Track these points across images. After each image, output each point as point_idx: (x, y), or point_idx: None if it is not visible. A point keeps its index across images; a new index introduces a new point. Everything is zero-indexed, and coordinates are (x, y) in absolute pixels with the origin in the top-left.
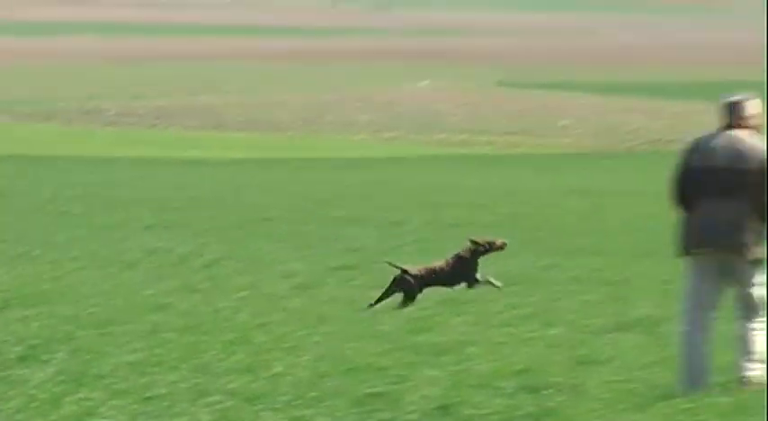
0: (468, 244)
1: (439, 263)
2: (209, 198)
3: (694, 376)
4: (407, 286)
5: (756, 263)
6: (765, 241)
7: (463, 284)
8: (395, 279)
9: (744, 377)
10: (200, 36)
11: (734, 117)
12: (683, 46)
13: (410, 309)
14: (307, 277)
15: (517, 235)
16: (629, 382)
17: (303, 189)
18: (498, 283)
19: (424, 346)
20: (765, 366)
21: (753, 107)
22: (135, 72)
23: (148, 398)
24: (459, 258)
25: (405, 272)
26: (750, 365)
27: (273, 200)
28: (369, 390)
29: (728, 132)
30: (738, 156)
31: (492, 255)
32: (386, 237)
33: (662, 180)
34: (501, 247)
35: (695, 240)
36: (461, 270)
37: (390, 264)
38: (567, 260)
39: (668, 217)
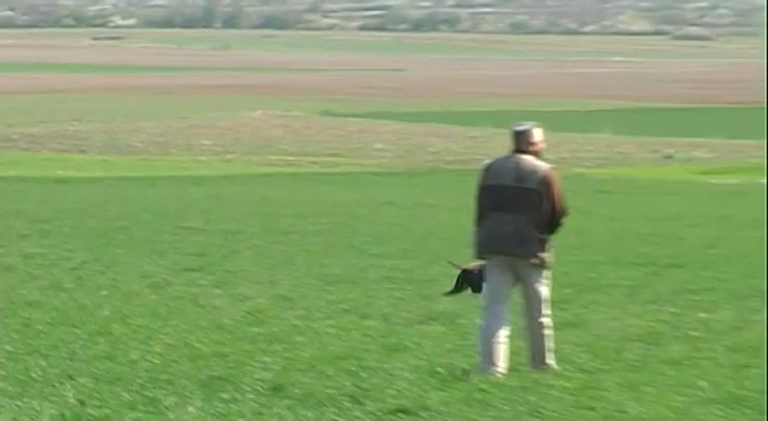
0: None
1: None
2: (76, 210)
3: (490, 360)
4: (475, 281)
5: (541, 266)
6: (548, 248)
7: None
8: (459, 277)
9: (543, 365)
10: (66, 73)
11: (522, 143)
12: (475, 80)
13: (247, 304)
14: (159, 277)
15: (339, 241)
16: (433, 366)
17: (155, 202)
18: None
19: (258, 336)
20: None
21: (537, 135)
22: (11, 103)
23: (24, 381)
24: None
25: (465, 271)
26: (545, 361)
27: (130, 212)
28: (212, 374)
29: (517, 156)
30: (524, 176)
31: (317, 257)
32: (226, 243)
33: (459, 193)
34: None
35: (487, 246)
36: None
37: (451, 263)
38: (381, 262)
39: (464, 225)
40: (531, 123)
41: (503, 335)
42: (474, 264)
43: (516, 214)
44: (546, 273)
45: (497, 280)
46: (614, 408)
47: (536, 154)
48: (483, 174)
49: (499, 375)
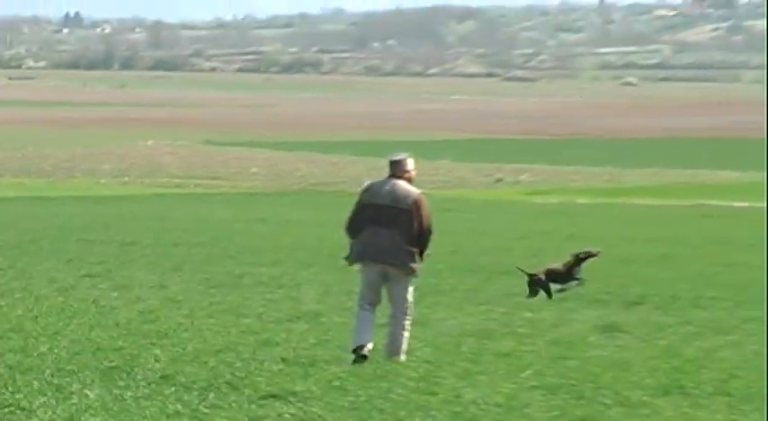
0: (573, 253)
1: (556, 265)
2: None
3: (361, 340)
4: (542, 284)
5: (409, 274)
6: (418, 259)
7: (573, 283)
8: (530, 282)
9: (395, 357)
10: None
11: (397, 170)
12: (335, 115)
13: (140, 305)
14: (65, 282)
15: (219, 251)
16: (299, 358)
17: (63, 219)
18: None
19: (150, 332)
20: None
21: (410, 164)
22: None
23: None
24: (569, 264)
25: (532, 276)
26: (399, 356)
27: (41, 226)
28: (110, 364)
29: (393, 181)
30: (398, 198)
31: (201, 265)
32: (123, 253)
33: (321, 211)
34: (596, 255)
35: (365, 255)
36: (571, 272)
37: (520, 269)
38: (255, 269)
39: (326, 238)
40: (406, 154)
41: (371, 327)
42: (538, 269)
43: (391, 229)
44: (412, 280)
45: (372, 284)
46: (453, 394)
47: (409, 180)
48: (363, 194)
49: (366, 351)
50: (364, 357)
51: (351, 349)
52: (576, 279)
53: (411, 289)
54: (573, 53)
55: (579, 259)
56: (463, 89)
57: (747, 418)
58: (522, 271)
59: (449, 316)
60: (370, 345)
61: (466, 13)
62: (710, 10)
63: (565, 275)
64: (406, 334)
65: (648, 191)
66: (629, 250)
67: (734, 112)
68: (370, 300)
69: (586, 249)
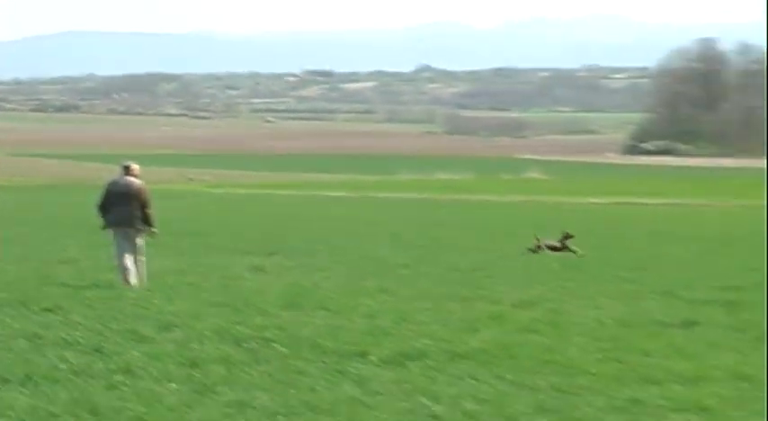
0: (564, 233)
1: (553, 241)
2: None
3: (126, 280)
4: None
5: (140, 232)
6: (144, 223)
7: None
8: (536, 247)
9: (132, 283)
10: None
11: (128, 171)
12: (92, 138)
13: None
14: None
15: (19, 221)
16: (65, 286)
17: None
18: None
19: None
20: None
21: (135, 167)
22: None
23: None
24: (562, 239)
25: (538, 242)
26: (134, 279)
27: None
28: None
29: (125, 177)
30: (129, 186)
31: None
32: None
33: (81, 196)
34: (572, 236)
35: (113, 224)
36: (562, 246)
37: (536, 237)
38: (39, 232)
39: (84, 214)
40: (132, 161)
41: (128, 269)
42: (548, 241)
43: (127, 206)
44: (143, 236)
45: (122, 242)
46: (160, 310)
47: (135, 176)
48: (108, 186)
49: (132, 283)
50: (129, 284)
51: (121, 283)
52: (572, 251)
53: (142, 242)
54: (235, 102)
55: (565, 237)
56: (168, 123)
57: (348, 322)
58: (537, 237)
59: (158, 261)
60: (132, 279)
61: (170, 78)
62: (317, 78)
63: (560, 248)
64: (143, 268)
65: (282, 186)
66: (267, 223)
67: (332, 139)
68: (122, 251)
69: (567, 232)
